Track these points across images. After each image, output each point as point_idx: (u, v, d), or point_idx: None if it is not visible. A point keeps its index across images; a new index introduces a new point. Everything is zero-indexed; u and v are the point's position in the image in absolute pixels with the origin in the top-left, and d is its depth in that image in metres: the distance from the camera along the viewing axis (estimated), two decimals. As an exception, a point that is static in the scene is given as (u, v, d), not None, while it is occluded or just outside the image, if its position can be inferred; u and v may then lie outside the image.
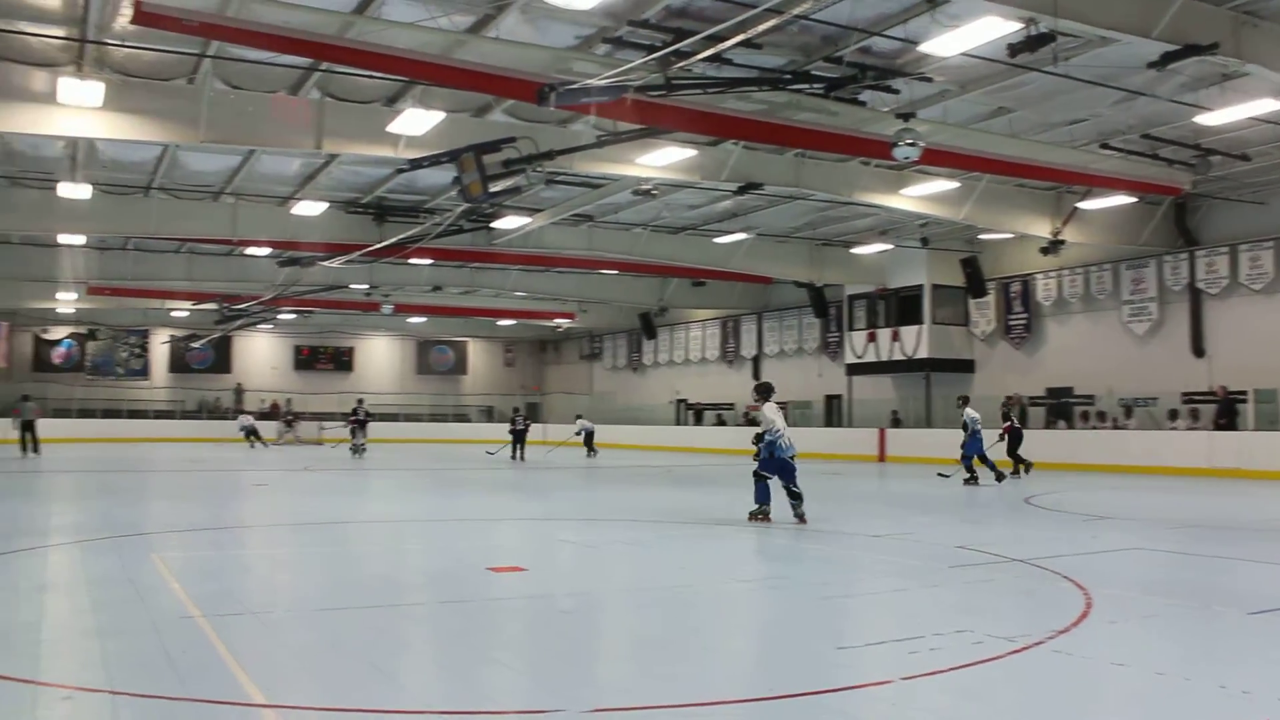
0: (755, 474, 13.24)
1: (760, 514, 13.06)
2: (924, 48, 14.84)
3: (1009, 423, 22.43)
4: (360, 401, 35.09)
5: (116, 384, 50.09)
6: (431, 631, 7.21)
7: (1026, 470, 21.99)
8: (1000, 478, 19.92)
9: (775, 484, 13.05)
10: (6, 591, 8.14)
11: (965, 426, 20.08)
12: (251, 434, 39.09)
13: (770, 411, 13.21)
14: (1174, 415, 26.00)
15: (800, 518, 12.83)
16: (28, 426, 31.99)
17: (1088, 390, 28.83)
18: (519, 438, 31.75)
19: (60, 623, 7.04)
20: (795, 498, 12.91)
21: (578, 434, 35.26)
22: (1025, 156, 20.10)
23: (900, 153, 16.35)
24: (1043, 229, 26.26)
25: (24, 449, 31.62)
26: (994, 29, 13.49)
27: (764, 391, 13.51)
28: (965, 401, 20.74)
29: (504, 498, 18.36)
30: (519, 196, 20.93)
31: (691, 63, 14.23)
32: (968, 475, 20.00)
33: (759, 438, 13.19)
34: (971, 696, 5.38)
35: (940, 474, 21.33)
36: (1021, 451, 22.20)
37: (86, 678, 5.56)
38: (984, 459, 20.07)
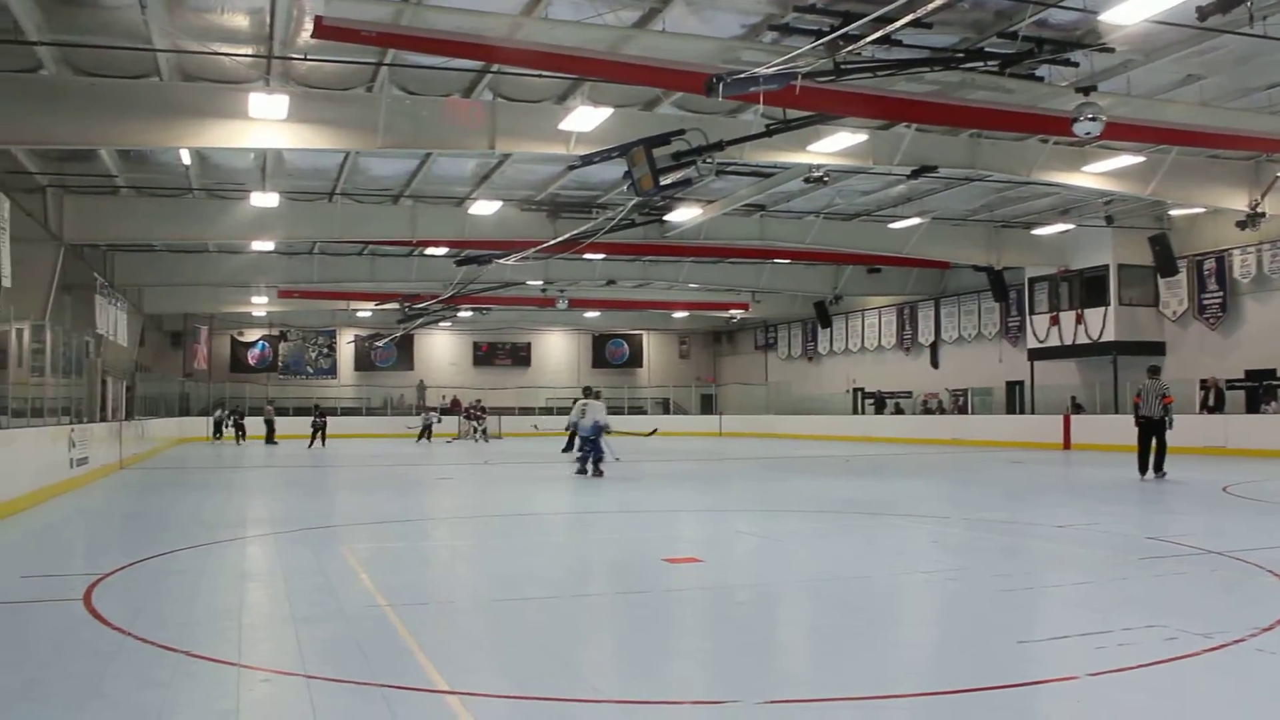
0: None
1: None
2: (1104, 16, 14.20)
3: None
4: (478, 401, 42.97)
5: (307, 383, 52.42)
6: (609, 622, 7.30)
7: None
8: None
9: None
10: (212, 579, 8.60)
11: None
12: (426, 431, 40.22)
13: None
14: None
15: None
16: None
17: (1292, 372, 27.21)
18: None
19: (259, 610, 7.42)
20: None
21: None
22: (1218, 125, 19.04)
23: (1081, 128, 15.79)
24: (1239, 201, 24.84)
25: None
26: (1181, -8, 12.85)
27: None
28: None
29: (681, 489, 18.43)
30: (690, 188, 20.99)
31: (860, 46, 13.94)
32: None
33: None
34: (1165, 695, 5.13)
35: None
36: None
37: (283, 662, 5.83)
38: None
